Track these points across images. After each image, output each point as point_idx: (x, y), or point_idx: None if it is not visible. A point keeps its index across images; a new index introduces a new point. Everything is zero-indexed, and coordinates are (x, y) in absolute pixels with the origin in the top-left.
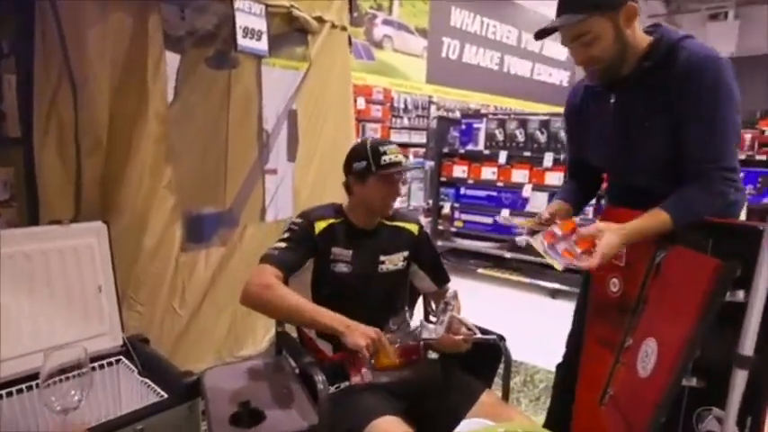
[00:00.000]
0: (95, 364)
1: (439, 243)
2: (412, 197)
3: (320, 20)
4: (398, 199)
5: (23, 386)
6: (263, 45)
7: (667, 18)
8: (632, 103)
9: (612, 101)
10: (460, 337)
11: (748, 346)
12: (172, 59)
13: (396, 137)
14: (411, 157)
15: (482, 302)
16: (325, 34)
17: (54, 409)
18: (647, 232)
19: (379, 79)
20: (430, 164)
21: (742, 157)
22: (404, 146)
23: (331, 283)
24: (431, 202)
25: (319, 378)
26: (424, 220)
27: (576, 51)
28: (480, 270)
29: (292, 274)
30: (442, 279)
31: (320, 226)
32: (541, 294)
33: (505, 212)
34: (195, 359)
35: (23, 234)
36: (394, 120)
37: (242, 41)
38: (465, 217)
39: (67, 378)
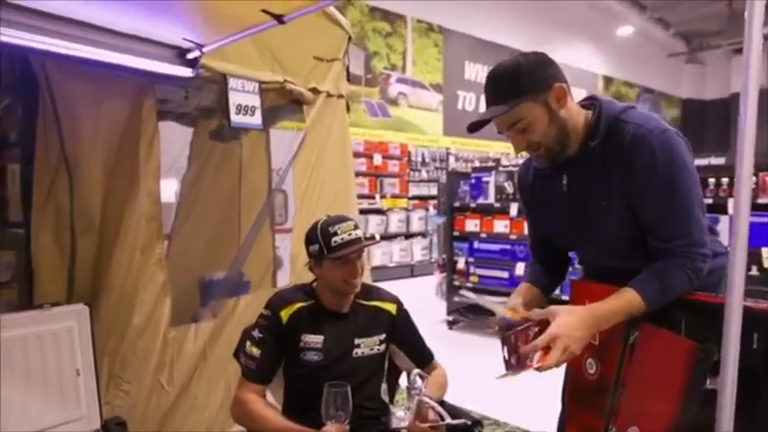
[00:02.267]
0: None
1: (456, 299)
2: (433, 249)
3: (315, 91)
4: (420, 251)
5: None
6: (256, 120)
7: (688, 56)
8: (585, 183)
9: (565, 182)
10: (428, 425)
11: None
12: (184, 132)
13: (414, 190)
14: (431, 208)
15: (500, 362)
16: (321, 104)
17: None
18: (618, 317)
19: (396, 135)
20: (443, 218)
21: (764, 200)
22: (423, 198)
23: (301, 371)
24: (445, 257)
25: None
26: (439, 275)
27: (513, 139)
28: None
29: (272, 379)
30: (424, 360)
31: (287, 314)
32: None
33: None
34: None
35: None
36: (412, 173)
37: (235, 118)
38: (480, 272)
39: None
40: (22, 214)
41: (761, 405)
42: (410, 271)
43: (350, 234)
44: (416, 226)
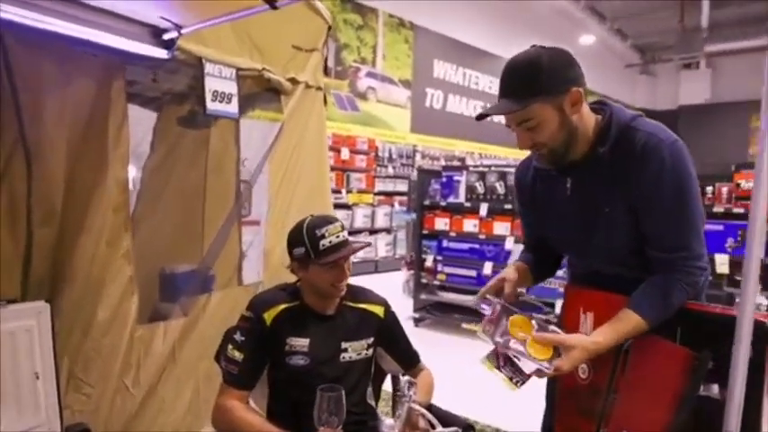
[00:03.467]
0: None
1: (422, 296)
2: (398, 245)
3: (294, 81)
4: (384, 247)
5: None
6: (233, 108)
7: (642, 67)
8: (589, 188)
9: (569, 185)
10: None
11: None
12: (149, 117)
13: (380, 185)
14: (396, 205)
15: (465, 360)
16: (299, 94)
17: None
18: (623, 341)
19: (364, 129)
20: (412, 215)
21: (720, 209)
22: (388, 194)
23: (286, 376)
24: (413, 254)
25: None
26: (406, 273)
27: (520, 135)
28: (465, 325)
29: (256, 384)
30: (411, 363)
31: (271, 315)
32: None
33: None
34: None
35: None
36: (379, 169)
37: (211, 105)
38: (448, 270)
39: None
40: None
41: (747, 413)
42: (374, 267)
43: (338, 236)
44: (381, 222)
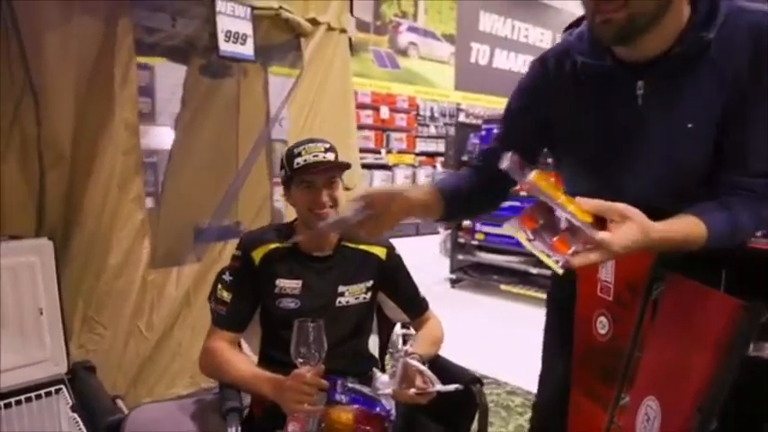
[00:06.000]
0: (32, 394)
1: (460, 257)
2: None
3: (314, 22)
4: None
5: None
6: (248, 50)
7: None
8: (676, 94)
9: (640, 91)
10: (414, 391)
11: None
12: (179, 70)
13: (422, 146)
14: (438, 166)
15: (504, 322)
16: (320, 37)
17: None
18: (677, 244)
19: (405, 87)
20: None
21: None
22: (430, 155)
23: (277, 322)
24: None
25: (233, 430)
26: (443, 233)
27: None
28: (503, 286)
29: (246, 326)
30: (416, 311)
31: (259, 254)
32: None
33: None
34: (167, 385)
35: None
36: (420, 128)
37: (224, 46)
38: (487, 229)
39: None
40: None
41: None
42: (415, 229)
43: (316, 156)
44: (422, 183)
